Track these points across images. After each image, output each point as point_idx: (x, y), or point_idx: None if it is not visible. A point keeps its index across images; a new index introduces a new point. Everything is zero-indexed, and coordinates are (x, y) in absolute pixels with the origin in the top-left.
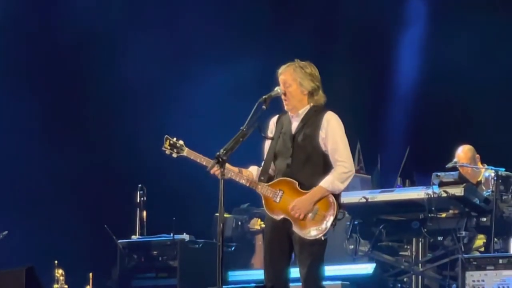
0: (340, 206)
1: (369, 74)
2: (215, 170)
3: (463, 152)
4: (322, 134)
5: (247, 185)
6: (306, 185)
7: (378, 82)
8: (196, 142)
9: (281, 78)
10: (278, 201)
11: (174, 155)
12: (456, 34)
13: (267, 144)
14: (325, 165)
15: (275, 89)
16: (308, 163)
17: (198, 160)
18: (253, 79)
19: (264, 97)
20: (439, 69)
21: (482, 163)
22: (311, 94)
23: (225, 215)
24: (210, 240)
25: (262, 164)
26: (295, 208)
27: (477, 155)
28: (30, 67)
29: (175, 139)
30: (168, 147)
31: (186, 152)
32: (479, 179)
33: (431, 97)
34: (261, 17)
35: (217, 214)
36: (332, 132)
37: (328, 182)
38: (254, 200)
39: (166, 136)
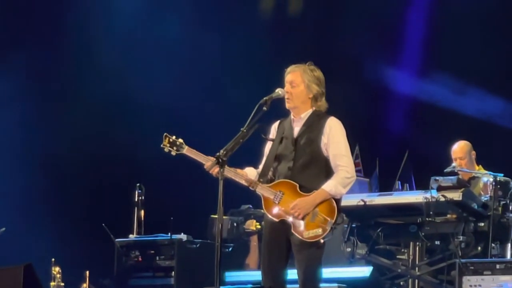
0: (340, 210)
1: (368, 78)
2: (214, 170)
3: (459, 147)
4: (324, 139)
5: (247, 185)
6: (307, 188)
7: (377, 85)
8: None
9: (288, 77)
10: (278, 202)
11: (173, 152)
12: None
13: (268, 146)
14: (326, 170)
15: (276, 90)
16: (310, 167)
17: (197, 159)
18: None
19: (264, 98)
20: (434, 71)
21: (477, 164)
22: (315, 98)
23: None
24: (207, 240)
25: (262, 166)
26: (296, 207)
27: (473, 152)
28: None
29: (174, 137)
30: (167, 145)
31: (185, 150)
32: (471, 176)
33: (430, 100)
34: None
35: (213, 216)
36: (334, 138)
37: (330, 186)
38: (252, 202)
39: (165, 134)
